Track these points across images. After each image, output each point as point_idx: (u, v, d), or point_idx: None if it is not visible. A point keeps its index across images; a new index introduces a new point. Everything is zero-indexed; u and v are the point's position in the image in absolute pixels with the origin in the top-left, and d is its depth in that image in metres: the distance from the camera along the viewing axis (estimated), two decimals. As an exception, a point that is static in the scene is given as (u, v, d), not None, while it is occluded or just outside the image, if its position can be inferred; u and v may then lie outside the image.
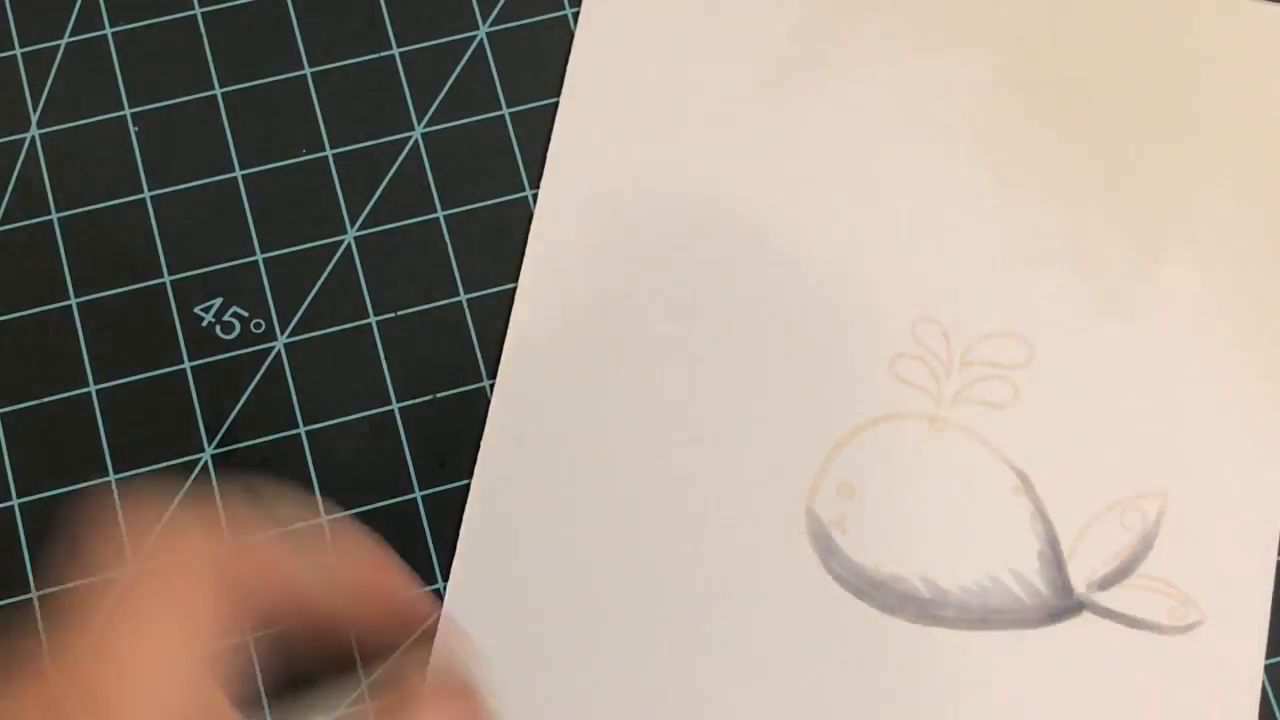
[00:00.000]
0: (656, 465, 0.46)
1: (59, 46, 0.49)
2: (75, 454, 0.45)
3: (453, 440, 0.46)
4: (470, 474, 0.45)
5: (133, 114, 0.49)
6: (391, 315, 0.47)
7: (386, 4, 0.50)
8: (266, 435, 0.46)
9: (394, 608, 0.39)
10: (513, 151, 0.49)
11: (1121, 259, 0.48)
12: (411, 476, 0.46)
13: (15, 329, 0.47)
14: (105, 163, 0.48)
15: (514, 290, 0.47)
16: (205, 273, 0.47)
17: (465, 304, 0.47)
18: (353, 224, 0.48)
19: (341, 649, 0.40)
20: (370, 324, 0.47)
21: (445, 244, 0.48)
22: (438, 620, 0.44)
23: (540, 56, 0.50)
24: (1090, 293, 0.47)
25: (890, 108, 0.49)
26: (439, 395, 0.46)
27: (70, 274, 0.47)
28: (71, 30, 0.50)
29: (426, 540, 0.45)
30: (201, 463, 0.45)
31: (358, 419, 0.46)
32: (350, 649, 0.44)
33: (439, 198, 0.48)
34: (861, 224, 0.48)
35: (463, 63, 0.50)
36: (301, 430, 0.46)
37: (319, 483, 0.45)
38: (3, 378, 0.46)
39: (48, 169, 0.48)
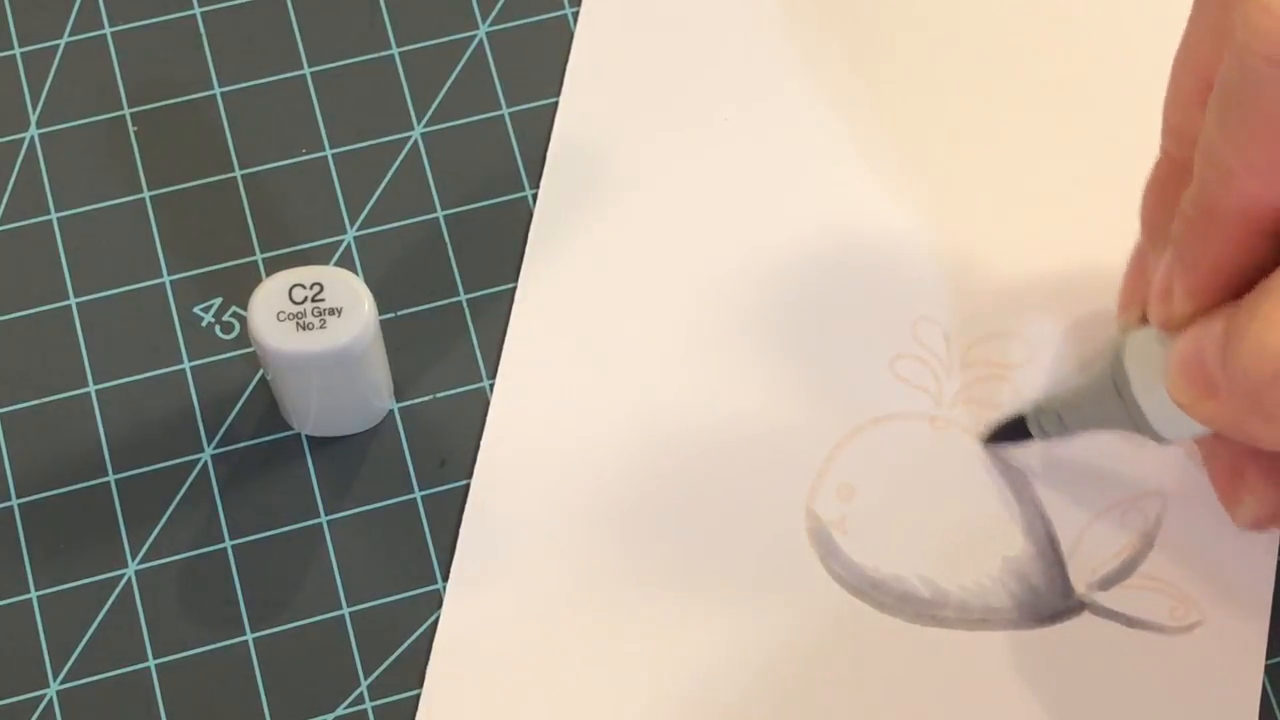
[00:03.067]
0: (656, 466, 0.46)
1: (59, 46, 0.49)
2: (75, 454, 0.45)
3: (453, 440, 0.46)
4: (470, 474, 0.45)
5: (132, 114, 0.49)
6: (391, 315, 0.47)
7: (386, 4, 0.50)
8: (266, 435, 0.46)
9: None
10: (513, 151, 0.49)
11: (1122, 259, 0.48)
12: (411, 476, 0.46)
13: (15, 329, 0.47)
14: (105, 162, 0.48)
15: (514, 290, 0.47)
16: (205, 273, 0.47)
17: (465, 303, 0.47)
18: (352, 224, 0.48)
19: None
20: (370, 324, 0.47)
21: (445, 244, 0.48)
22: (438, 619, 0.44)
23: (540, 56, 0.50)
24: (1091, 292, 0.47)
25: (891, 106, 0.49)
26: (439, 395, 0.46)
27: (70, 274, 0.47)
28: (71, 30, 0.50)
29: (426, 540, 0.45)
30: (201, 463, 0.45)
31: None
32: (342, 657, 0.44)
33: (439, 198, 0.48)
34: (862, 223, 0.48)
35: (463, 62, 0.50)
36: (302, 431, 0.46)
37: (319, 483, 0.45)
38: (3, 378, 0.46)
39: (48, 169, 0.48)
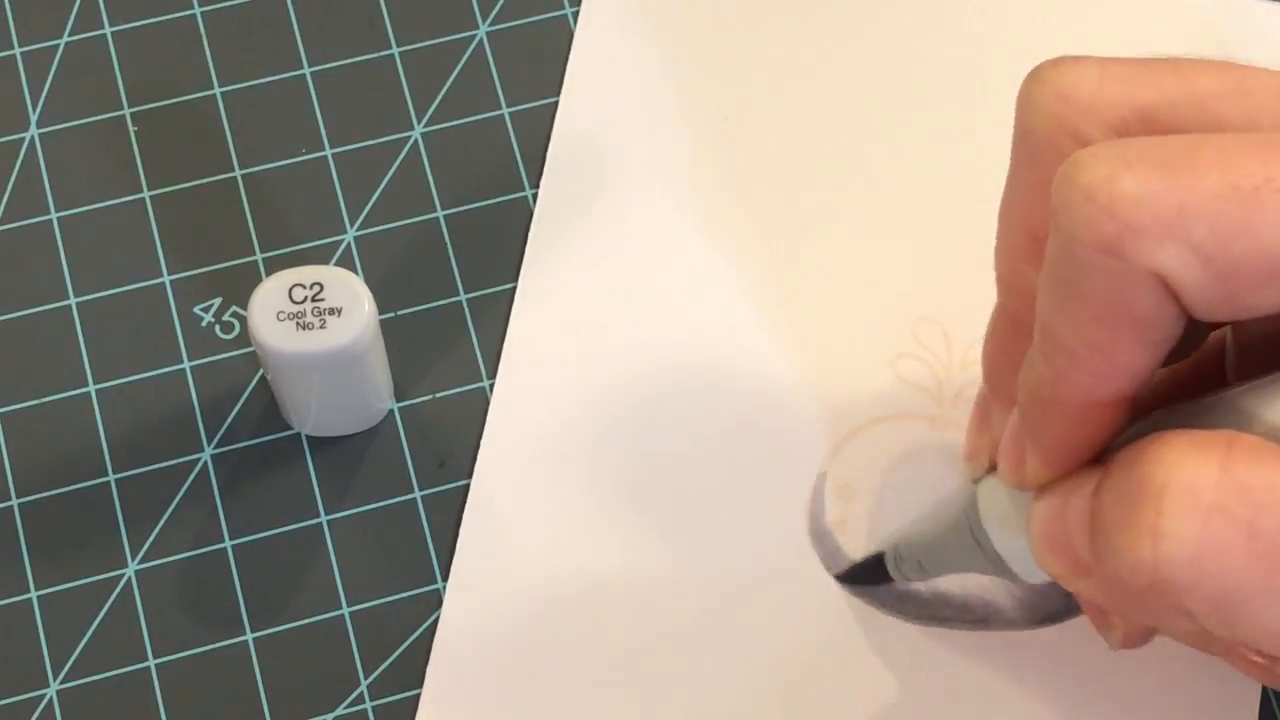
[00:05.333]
0: (656, 465, 0.46)
1: (59, 46, 0.49)
2: (75, 454, 0.45)
3: (453, 440, 0.46)
4: (470, 474, 0.45)
5: (132, 114, 0.49)
6: (391, 315, 0.47)
7: (386, 4, 0.50)
8: (266, 435, 0.46)
9: None
10: (513, 151, 0.49)
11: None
12: (411, 476, 0.46)
13: (15, 329, 0.47)
14: (105, 162, 0.48)
15: (514, 290, 0.47)
16: (205, 273, 0.47)
17: (465, 303, 0.47)
18: (352, 224, 0.48)
19: None
20: (370, 324, 0.47)
21: (445, 244, 0.48)
22: (438, 619, 0.44)
23: (540, 56, 0.50)
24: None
25: (891, 107, 0.49)
26: (439, 395, 0.46)
27: (70, 274, 0.47)
28: (71, 30, 0.50)
29: (426, 540, 0.45)
30: (201, 463, 0.45)
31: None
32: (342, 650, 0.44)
33: (439, 198, 0.48)
34: (862, 223, 0.48)
35: (462, 62, 0.50)
36: (302, 431, 0.46)
37: (319, 483, 0.45)
38: (3, 378, 0.46)
39: (48, 169, 0.48)
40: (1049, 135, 0.36)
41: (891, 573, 0.43)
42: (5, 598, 0.44)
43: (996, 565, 0.39)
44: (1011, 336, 0.39)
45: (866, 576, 0.44)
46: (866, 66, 0.50)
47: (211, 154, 0.48)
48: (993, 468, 0.39)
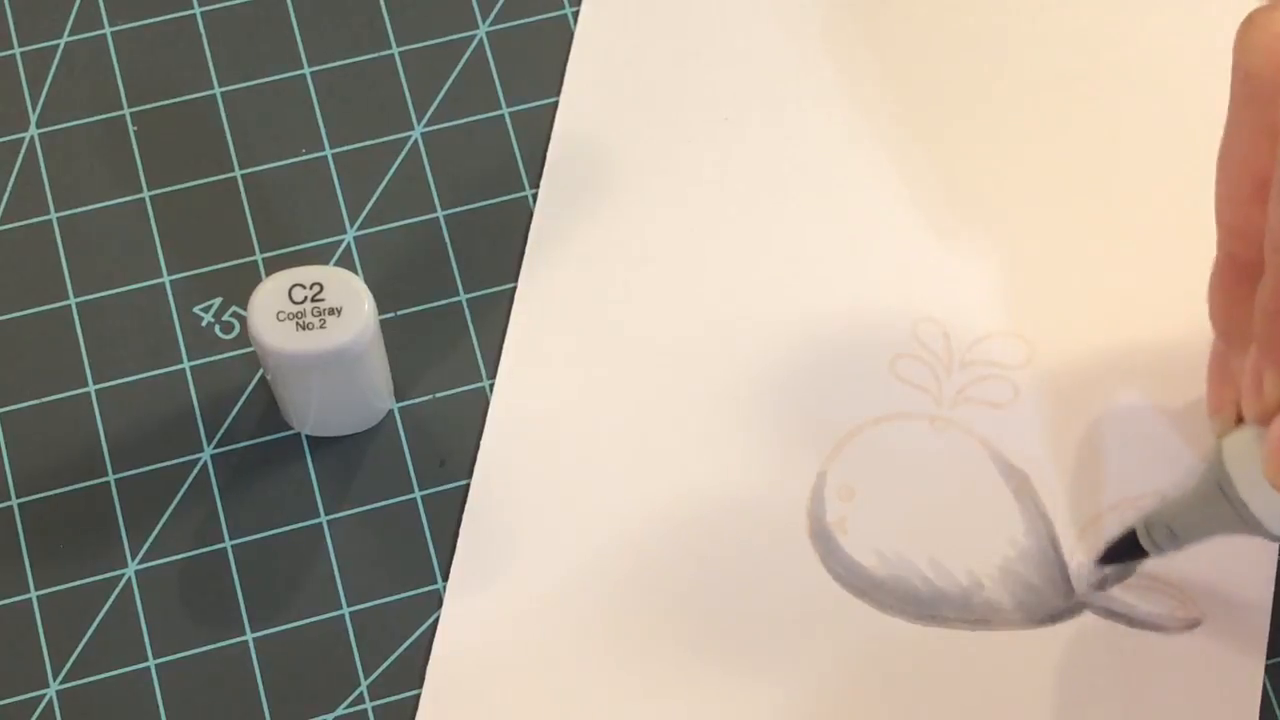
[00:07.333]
0: (656, 466, 0.46)
1: (59, 46, 0.49)
2: (75, 454, 0.45)
3: (453, 440, 0.46)
4: (470, 474, 0.45)
5: (133, 113, 0.49)
6: (391, 315, 0.47)
7: (386, 4, 0.50)
8: (266, 435, 0.46)
9: None
10: (513, 151, 0.49)
11: (1121, 260, 0.48)
12: (411, 476, 0.46)
13: (15, 329, 0.47)
14: (105, 162, 0.48)
15: (514, 290, 0.47)
16: (205, 273, 0.47)
17: (465, 303, 0.47)
18: (352, 224, 0.48)
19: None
20: (370, 324, 0.47)
21: (445, 244, 0.48)
22: (438, 619, 0.44)
23: (540, 56, 0.50)
24: (1090, 292, 0.47)
25: (890, 108, 0.49)
26: (439, 395, 0.46)
27: (70, 274, 0.47)
28: (71, 30, 0.50)
29: (426, 540, 0.45)
30: (201, 463, 0.45)
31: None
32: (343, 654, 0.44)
33: (439, 198, 0.48)
34: (862, 224, 0.48)
35: (462, 62, 0.50)
36: (302, 431, 0.46)
37: (319, 483, 0.45)
38: (3, 378, 0.46)
39: (48, 169, 0.48)
40: (1270, 75, 0.37)
41: (1144, 545, 0.43)
42: (5, 598, 0.44)
43: (1245, 518, 0.40)
44: (1239, 281, 0.40)
45: (1121, 553, 0.44)
46: (865, 66, 0.50)
47: (211, 154, 0.48)
48: (1238, 422, 0.40)
